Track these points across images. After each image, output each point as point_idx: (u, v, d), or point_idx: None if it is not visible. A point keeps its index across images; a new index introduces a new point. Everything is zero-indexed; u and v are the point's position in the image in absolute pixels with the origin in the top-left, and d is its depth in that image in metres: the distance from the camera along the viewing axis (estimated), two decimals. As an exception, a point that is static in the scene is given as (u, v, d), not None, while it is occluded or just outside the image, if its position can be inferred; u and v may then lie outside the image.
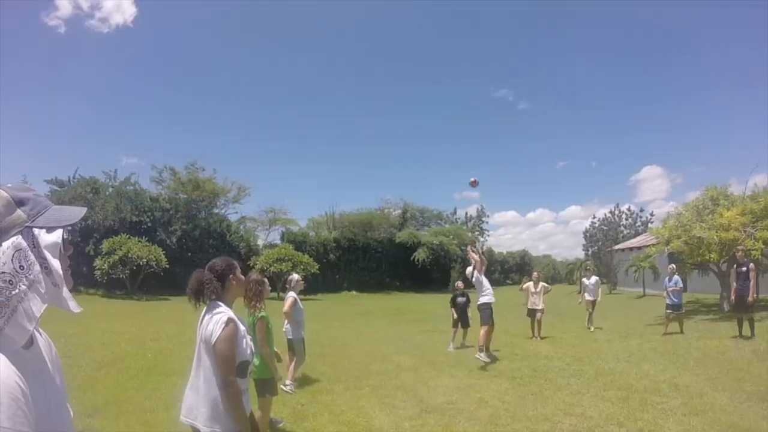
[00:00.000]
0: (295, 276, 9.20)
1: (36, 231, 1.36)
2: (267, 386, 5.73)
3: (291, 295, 8.63)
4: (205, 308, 3.21)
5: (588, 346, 12.85)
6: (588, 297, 16.86)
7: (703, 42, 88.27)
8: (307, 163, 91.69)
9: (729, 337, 12.77)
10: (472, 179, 12.15)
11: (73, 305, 1.41)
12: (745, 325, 12.70)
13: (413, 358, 11.28)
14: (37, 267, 1.32)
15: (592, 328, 16.04)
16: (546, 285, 15.23)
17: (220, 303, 3.15)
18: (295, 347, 8.22)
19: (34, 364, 1.38)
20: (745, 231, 16.74)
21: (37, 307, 1.30)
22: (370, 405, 7.32)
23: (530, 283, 15.00)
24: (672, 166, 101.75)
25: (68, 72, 73.27)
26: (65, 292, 1.39)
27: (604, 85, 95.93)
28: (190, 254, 35.49)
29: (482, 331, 10.78)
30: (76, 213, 1.48)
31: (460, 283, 14.22)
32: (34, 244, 1.34)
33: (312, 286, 36.40)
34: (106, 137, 74.87)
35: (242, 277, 3.44)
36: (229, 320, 3.01)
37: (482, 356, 10.37)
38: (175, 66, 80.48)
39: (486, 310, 11.08)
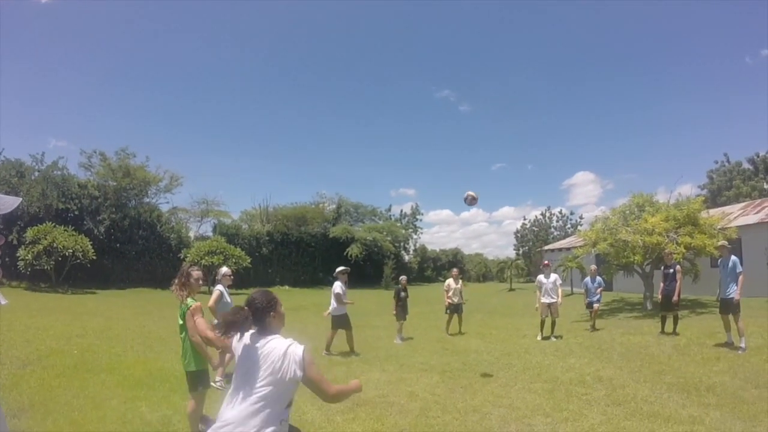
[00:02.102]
0: (223, 269, 9.10)
1: None
2: (200, 378, 5.60)
3: (217, 289, 8.50)
4: (248, 336, 3.07)
5: (516, 341, 13.13)
6: (545, 299, 13.64)
7: (638, 58, 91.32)
8: (242, 155, 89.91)
9: (651, 334, 13.25)
10: (471, 195, 11.13)
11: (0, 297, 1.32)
12: (669, 322, 13.21)
13: (345, 353, 11.31)
14: None
15: (554, 339, 13.27)
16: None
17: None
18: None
19: None
20: (668, 236, 17.57)
21: None
22: (301, 400, 7.21)
23: (450, 280, 15.25)
24: (604, 173, 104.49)
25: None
26: None
27: (544, 92, 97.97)
28: (118, 245, 34.50)
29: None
30: (9, 203, 1.38)
31: (403, 278, 14.49)
32: None
33: (244, 281, 35.81)
34: (33, 118, 71.31)
35: (283, 312, 3.33)
36: (304, 348, 2.91)
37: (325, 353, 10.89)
38: (110, 48, 77.27)
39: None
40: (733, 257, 10.78)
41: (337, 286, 11.58)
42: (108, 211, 34.46)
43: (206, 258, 31.56)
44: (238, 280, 33.05)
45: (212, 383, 7.31)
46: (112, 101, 75.82)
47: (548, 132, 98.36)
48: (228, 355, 8.18)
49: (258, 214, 49.48)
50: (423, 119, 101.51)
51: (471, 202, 9.88)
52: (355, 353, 11.10)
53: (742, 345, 10.29)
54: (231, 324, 2.94)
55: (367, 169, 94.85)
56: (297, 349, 2.88)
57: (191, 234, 42.47)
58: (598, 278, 15.61)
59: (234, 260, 32.71)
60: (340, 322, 11.48)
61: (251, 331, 3.05)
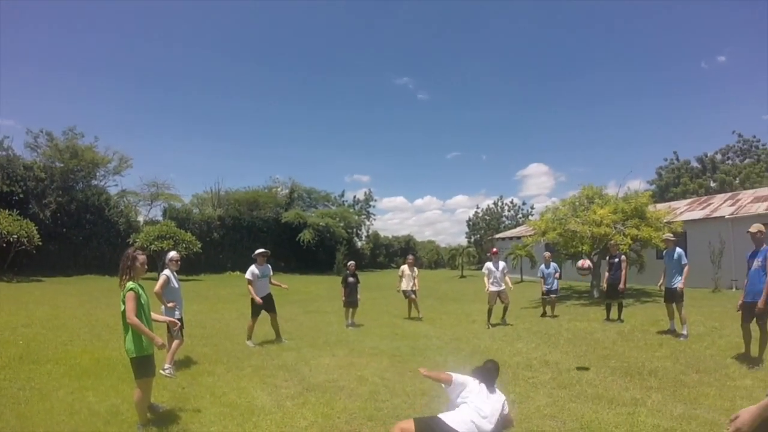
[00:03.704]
0: (171, 253, 8.89)
1: None
2: (145, 365, 5.47)
3: (164, 274, 8.29)
4: None
5: (466, 327, 13.29)
6: (493, 287, 13.59)
7: (596, 56, 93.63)
8: (194, 136, 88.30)
9: (597, 320, 13.59)
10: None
11: None
12: (614, 309, 13.60)
13: (296, 339, 11.25)
14: None
15: (507, 323, 13.54)
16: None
17: None
18: (171, 328, 7.91)
19: None
20: (615, 227, 18.02)
21: None
22: (252, 385, 7.22)
23: (405, 266, 15.34)
24: (557, 165, 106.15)
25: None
26: None
27: (502, 84, 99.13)
28: (65, 230, 33.61)
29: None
30: None
31: (351, 264, 14.33)
32: None
33: (194, 266, 35.35)
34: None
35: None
36: None
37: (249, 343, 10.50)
38: (58, 27, 74.65)
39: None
40: (678, 249, 11.10)
41: (248, 272, 10.74)
42: (54, 194, 33.47)
43: (156, 243, 30.92)
44: (189, 266, 32.68)
45: (161, 371, 7.19)
46: (60, 80, 73.42)
47: (504, 123, 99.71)
48: (176, 342, 8.04)
49: (209, 198, 48.60)
50: (381, 106, 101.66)
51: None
52: (281, 339, 10.86)
53: (684, 332, 10.61)
54: None
55: (322, 154, 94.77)
56: None
57: (140, 218, 41.50)
58: (553, 264, 15.86)
59: (184, 245, 32.16)
60: (258, 307, 10.68)
61: None
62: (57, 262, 32.27)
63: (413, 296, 15.07)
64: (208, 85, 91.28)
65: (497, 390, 5.37)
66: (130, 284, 5.30)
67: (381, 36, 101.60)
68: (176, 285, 8.42)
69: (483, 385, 5.21)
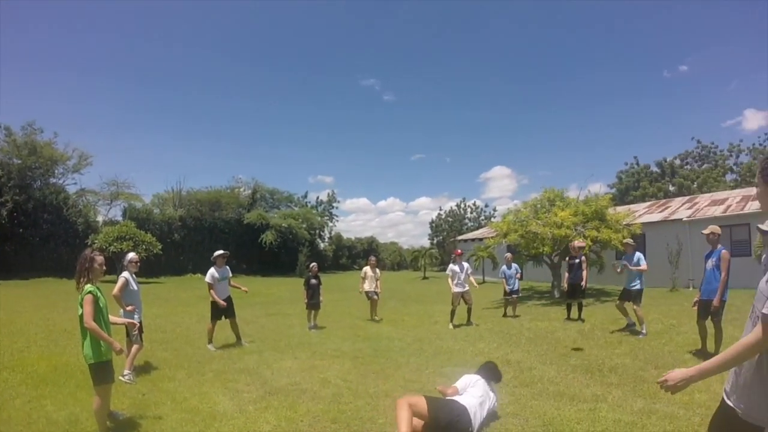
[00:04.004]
0: (130, 254, 8.67)
1: None
2: (104, 371, 5.28)
3: (123, 276, 8.09)
4: None
5: (428, 328, 13.31)
6: (457, 288, 13.51)
7: (561, 62, 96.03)
8: (155, 134, 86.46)
9: (558, 320, 13.78)
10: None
11: None
12: (574, 309, 13.82)
13: (257, 342, 11.16)
14: None
15: (473, 324, 13.53)
16: None
17: None
18: (130, 332, 7.74)
19: None
20: (575, 229, 18.32)
21: None
22: (213, 390, 7.11)
23: (367, 268, 15.34)
24: (520, 169, 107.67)
25: None
26: None
27: (467, 87, 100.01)
28: (21, 230, 32.74)
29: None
30: None
31: (314, 265, 14.24)
32: None
33: (154, 268, 34.75)
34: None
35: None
36: None
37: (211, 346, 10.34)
38: (16, 20, 72.59)
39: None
40: (637, 253, 11.39)
41: (208, 275, 10.57)
42: (11, 192, 32.47)
43: (115, 244, 30.31)
44: (149, 268, 32.11)
45: (120, 377, 7.04)
46: (20, 73, 71.31)
47: (468, 126, 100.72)
48: (135, 347, 7.88)
49: (171, 197, 47.90)
50: (346, 106, 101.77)
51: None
52: (241, 342, 10.74)
53: (643, 331, 10.83)
54: None
55: (286, 154, 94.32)
56: None
57: (100, 218, 40.68)
58: (514, 265, 16.04)
59: (144, 247, 31.60)
60: (218, 311, 10.48)
61: None
62: (13, 264, 31.49)
63: (375, 297, 15.06)
64: (173, 81, 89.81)
65: (494, 388, 5.85)
66: (88, 287, 5.16)
67: (349, 36, 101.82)
68: (135, 287, 8.24)
69: (483, 381, 5.76)
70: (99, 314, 5.21)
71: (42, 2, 72.95)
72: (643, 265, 11.14)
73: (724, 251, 8.41)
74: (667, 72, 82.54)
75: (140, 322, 8.10)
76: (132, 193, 43.39)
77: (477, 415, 5.24)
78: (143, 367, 8.47)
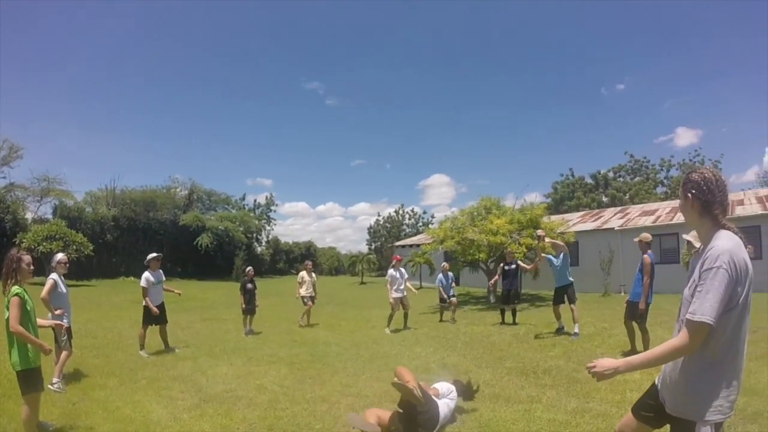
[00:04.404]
0: (58, 255, 8.32)
1: None
2: (33, 379, 5.05)
3: (52, 278, 7.78)
4: None
5: (365, 332, 13.32)
6: (396, 294, 13.56)
7: (501, 74, 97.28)
8: (89, 129, 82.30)
9: (493, 324, 14.00)
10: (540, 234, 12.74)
11: None
12: (508, 314, 14.11)
13: (192, 347, 10.96)
14: None
15: (411, 329, 13.59)
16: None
17: None
18: (59, 337, 7.47)
19: None
20: (511, 237, 18.72)
21: None
22: (147, 398, 6.93)
23: (304, 272, 15.27)
24: (459, 177, 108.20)
25: None
26: None
27: (409, 95, 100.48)
28: (-57, 227, 30.95)
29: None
30: None
31: (250, 270, 14.04)
32: None
33: (86, 270, 33.63)
34: None
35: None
36: None
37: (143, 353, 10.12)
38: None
39: None
40: (563, 254, 11.86)
41: (143, 279, 10.32)
42: (-68, 185, 30.59)
43: (44, 244, 29.10)
44: (80, 270, 31.08)
45: (49, 385, 6.81)
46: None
47: (409, 133, 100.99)
48: (65, 353, 7.61)
49: (104, 196, 46.00)
50: (288, 109, 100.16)
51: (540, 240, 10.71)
52: (170, 349, 10.52)
53: (576, 330, 11.24)
54: None
55: (225, 155, 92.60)
56: None
57: (29, 215, 38.88)
58: (450, 274, 16.49)
59: (75, 247, 30.51)
60: (151, 316, 10.24)
61: None
62: None
63: (311, 303, 14.93)
64: (108, 76, 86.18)
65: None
66: (14, 289, 4.95)
67: (293, 38, 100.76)
68: (64, 290, 7.93)
69: (455, 394, 5.95)
70: (26, 317, 4.99)
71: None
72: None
73: (644, 257, 8.82)
74: (604, 89, 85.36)
75: (69, 327, 7.81)
76: (64, 190, 41.26)
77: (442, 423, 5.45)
78: (73, 374, 8.18)
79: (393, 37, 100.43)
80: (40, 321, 5.49)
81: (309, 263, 15.79)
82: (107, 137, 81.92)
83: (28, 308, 5.03)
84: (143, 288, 10.21)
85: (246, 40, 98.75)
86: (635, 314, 8.85)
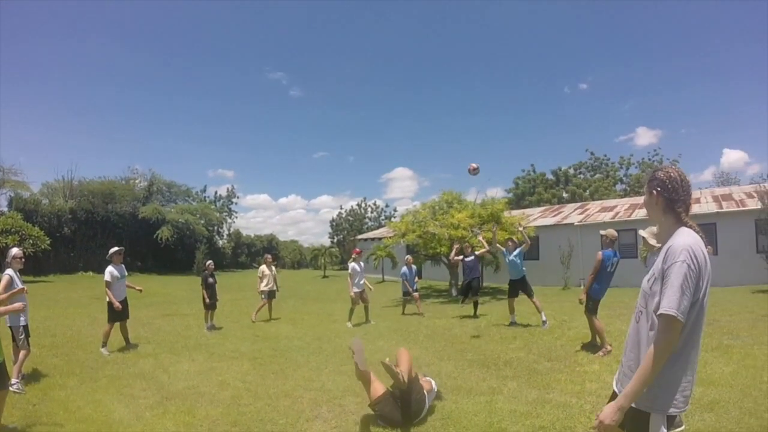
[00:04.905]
0: (13, 250, 8.10)
1: None
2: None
3: (7, 274, 7.59)
4: None
5: (327, 326, 13.35)
6: (356, 288, 13.72)
7: (464, 70, 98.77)
8: (45, 118, 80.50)
9: (455, 317, 14.15)
10: (473, 166, 12.06)
11: None
12: (470, 306, 14.28)
13: (153, 344, 10.85)
14: None
15: (371, 323, 13.66)
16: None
17: None
18: (16, 336, 7.34)
19: None
20: (472, 231, 18.90)
21: None
22: (108, 397, 6.86)
23: (264, 266, 15.24)
24: (422, 171, 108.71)
25: None
26: None
27: (372, 87, 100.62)
28: None
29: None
30: None
31: (210, 263, 13.92)
32: None
33: (43, 265, 32.86)
34: None
35: None
36: None
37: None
38: None
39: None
40: (517, 248, 12.29)
41: (107, 273, 10.16)
42: None
43: (-1, 238, 28.28)
44: (36, 265, 30.37)
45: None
46: None
47: (372, 126, 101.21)
48: (23, 352, 7.47)
49: (61, 187, 44.61)
50: (251, 99, 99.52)
51: (474, 172, 10.20)
52: (132, 345, 10.44)
53: (544, 319, 11.68)
54: None
55: (185, 146, 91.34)
56: None
57: (-18, 209, 37.50)
58: (414, 267, 16.47)
59: (31, 241, 29.65)
60: (117, 312, 10.07)
61: None
62: None
63: (266, 299, 14.91)
64: (65, 65, 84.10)
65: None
66: None
67: (258, 28, 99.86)
68: (20, 286, 7.79)
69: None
70: None
71: None
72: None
73: (598, 253, 8.93)
74: (567, 88, 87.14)
75: (26, 326, 7.67)
76: (19, 181, 39.55)
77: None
78: (32, 375, 8.04)
79: (360, 28, 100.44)
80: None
81: (269, 257, 15.72)
82: (64, 126, 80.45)
83: None
84: (107, 282, 10.04)
85: (209, 29, 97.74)
86: (590, 307, 8.96)
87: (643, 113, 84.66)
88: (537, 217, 30.51)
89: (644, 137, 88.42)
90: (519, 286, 12.18)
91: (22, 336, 7.29)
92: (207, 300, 13.22)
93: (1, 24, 71.46)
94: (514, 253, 12.16)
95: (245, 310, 16.60)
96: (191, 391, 7.10)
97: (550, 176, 57.71)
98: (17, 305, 6.02)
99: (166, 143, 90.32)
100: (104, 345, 10.00)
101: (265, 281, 14.90)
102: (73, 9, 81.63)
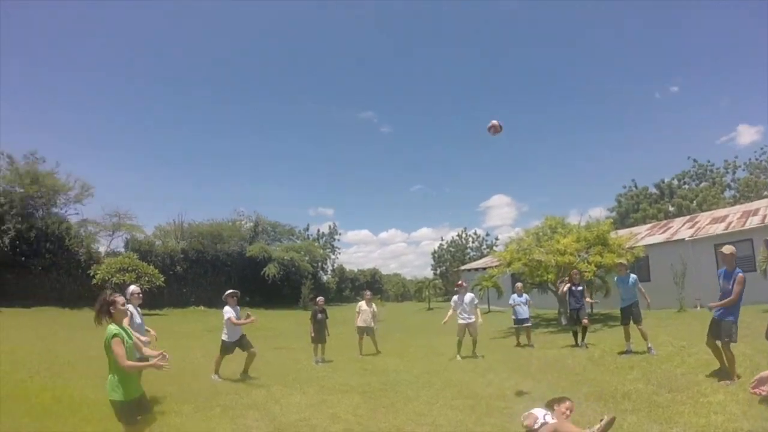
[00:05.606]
0: (131, 287, 8.62)
1: None
2: (131, 411, 5.15)
3: (127, 309, 8.00)
4: None
5: (435, 359, 13.20)
6: (462, 320, 13.32)
7: (554, 90, 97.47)
8: (156, 167, 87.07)
9: (566, 347, 13.62)
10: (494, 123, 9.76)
11: None
12: (580, 335, 13.63)
13: (264, 376, 11.02)
14: None
15: (480, 357, 13.08)
16: None
17: None
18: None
19: None
20: (579, 255, 18.32)
21: None
22: (221, 426, 7.01)
23: (363, 302, 15.32)
24: (520, 196, 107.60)
25: None
26: None
27: (462, 116, 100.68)
28: (23, 259, 32.19)
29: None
30: None
31: (321, 299, 14.19)
32: None
33: (158, 300, 34.45)
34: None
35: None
36: None
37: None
38: (21, 47, 72.81)
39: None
40: (632, 275, 11.76)
41: (227, 311, 10.86)
42: (13, 220, 32.12)
43: (117, 275, 29.97)
44: (152, 300, 31.81)
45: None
46: (20, 104, 71.35)
47: (466, 155, 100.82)
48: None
49: (172, 230, 47.08)
50: (344, 140, 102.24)
51: (495, 130, 9.29)
52: (249, 376, 10.74)
53: (649, 346, 11.09)
54: None
55: (286, 188, 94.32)
56: None
57: (102, 249, 39.91)
58: (525, 295, 15.94)
59: (147, 278, 31.28)
60: (230, 347, 10.90)
61: None
62: (15, 292, 30.78)
63: (369, 334, 14.97)
64: (170, 117, 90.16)
65: None
66: (112, 328, 5.04)
67: (344, 70, 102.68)
68: (139, 320, 8.22)
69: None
70: (130, 353, 5.12)
71: (43, 37, 73.85)
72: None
73: (740, 274, 7.96)
74: (658, 94, 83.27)
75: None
76: (134, 225, 42.50)
77: None
78: (149, 400, 8.36)
79: (440, 63, 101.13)
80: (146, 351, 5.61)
81: (368, 293, 15.91)
82: (172, 174, 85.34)
83: (126, 346, 5.11)
84: (228, 318, 10.68)
85: (298, 73, 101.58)
86: (720, 333, 8.08)
87: (741, 109, 79.64)
88: (644, 235, 29.08)
89: (746, 135, 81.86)
90: (630, 313, 11.58)
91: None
92: (313, 334, 13.43)
93: (116, 91, 76.92)
94: (631, 280, 11.62)
95: (352, 344, 16.65)
96: (303, 423, 7.13)
97: (653, 190, 55.31)
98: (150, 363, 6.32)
99: (268, 186, 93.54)
100: (216, 372, 10.52)
101: (362, 316, 14.96)
102: (174, 63, 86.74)
